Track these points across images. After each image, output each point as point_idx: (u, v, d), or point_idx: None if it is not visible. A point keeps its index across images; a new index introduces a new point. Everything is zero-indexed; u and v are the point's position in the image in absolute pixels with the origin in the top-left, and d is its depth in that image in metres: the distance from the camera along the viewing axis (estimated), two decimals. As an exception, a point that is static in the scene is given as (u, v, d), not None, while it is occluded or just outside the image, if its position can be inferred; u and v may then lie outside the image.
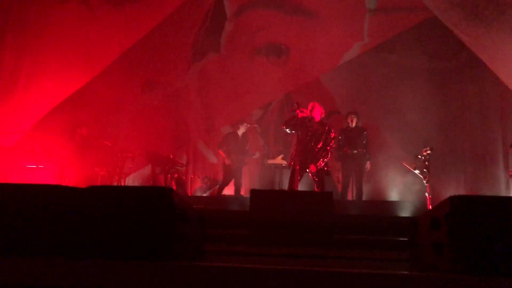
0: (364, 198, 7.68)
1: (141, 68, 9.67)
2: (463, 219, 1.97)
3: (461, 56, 9.14)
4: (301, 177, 6.43)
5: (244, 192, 8.33)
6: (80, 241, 2.36)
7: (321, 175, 6.44)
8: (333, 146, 6.65)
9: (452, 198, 2.04)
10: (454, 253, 1.91)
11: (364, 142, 7.66)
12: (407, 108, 8.96)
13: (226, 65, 9.78)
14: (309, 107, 6.65)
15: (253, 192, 5.04)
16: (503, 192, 8.18)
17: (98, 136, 8.22)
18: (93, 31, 8.84)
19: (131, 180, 9.08)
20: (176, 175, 8.26)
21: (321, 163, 6.38)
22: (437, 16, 8.78)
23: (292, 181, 6.35)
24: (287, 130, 6.58)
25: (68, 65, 8.59)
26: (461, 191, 8.29)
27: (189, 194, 8.51)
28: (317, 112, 6.61)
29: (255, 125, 9.00)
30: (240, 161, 8.13)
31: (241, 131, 8.27)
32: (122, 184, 8.06)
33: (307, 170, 6.44)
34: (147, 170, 9.11)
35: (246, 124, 8.36)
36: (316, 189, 6.46)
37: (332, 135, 6.57)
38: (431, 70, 9.18)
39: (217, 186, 8.38)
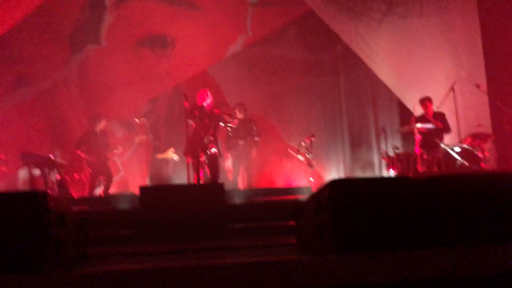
0: (253, 185, 7.93)
1: (11, 63, 8.79)
2: (342, 201, 2.10)
3: (337, 48, 9.79)
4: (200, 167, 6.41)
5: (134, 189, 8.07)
6: None
7: (214, 162, 6.48)
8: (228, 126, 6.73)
9: (331, 182, 2.16)
10: (334, 234, 2.03)
11: (252, 132, 7.93)
12: (291, 98, 9.41)
13: (108, 57, 9.27)
14: (203, 95, 6.67)
15: (142, 189, 4.88)
16: (377, 173, 9.00)
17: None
18: None
19: (7, 185, 8.24)
20: (58, 177, 7.67)
21: (211, 149, 6.41)
22: (314, 10, 9.30)
23: (197, 173, 6.32)
24: (191, 121, 6.49)
25: None
26: (342, 175, 8.94)
27: (75, 196, 7.97)
28: (211, 100, 6.69)
29: (143, 118, 8.71)
30: (102, 158, 7.89)
31: (99, 127, 8.04)
32: (-5, 191, 7.26)
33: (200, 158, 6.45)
34: (24, 173, 8.32)
35: (104, 120, 8.15)
36: (209, 175, 6.49)
37: (225, 119, 6.67)
38: (311, 62, 9.71)
39: (102, 186, 8.01)
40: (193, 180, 6.48)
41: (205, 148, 6.42)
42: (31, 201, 2.24)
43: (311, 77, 9.64)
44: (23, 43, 8.75)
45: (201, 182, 6.33)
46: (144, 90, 9.42)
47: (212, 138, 6.49)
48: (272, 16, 9.72)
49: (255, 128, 8.03)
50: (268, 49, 9.72)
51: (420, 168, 7.07)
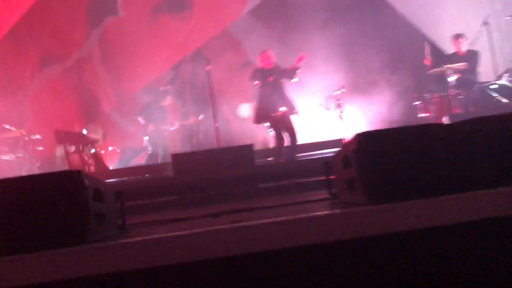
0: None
1: (34, 43, 8.90)
2: (368, 154, 2.07)
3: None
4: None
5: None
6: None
7: (287, 121, 6.32)
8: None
9: (357, 135, 2.12)
10: (362, 187, 2.02)
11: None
12: (317, 49, 9.12)
13: (127, 27, 9.25)
14: (267, 55, 6.45)
15: (174, 156, 4.97)
16: (413, 118, 8.71)
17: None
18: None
19: (46, 164, 8.57)
20: (93, 151, 7.90)
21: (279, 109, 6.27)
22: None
23: (279, 137, 6.23)
24: (255, 83, 6.32)
25: None
26: (375, 125, 8.75)
27: (110, 168, 8.21)
28: (273, 59, 6.45)
29: (168, 86, 8.75)
30: (159, 130, 8.05)
31: (166, 102, 8.19)
32: (35, 170, 7.59)
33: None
34: (60, 150, 8.59)
35: (170, 96, 8.26)
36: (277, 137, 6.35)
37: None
38: (335, 9, 9.35)
39: (139, 155, 8.21)
40: (276, 144, 6.37)
41: (275, 109, 6.26)
42: (66, 181, 2.31)
43: (335, 25, 9.30)
44: (41, 22, 8.79)
45: (283, 143, 6.20)
46: (166, 56, 9.42)
47: (277, 98, 6.33)
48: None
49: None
50: (288, -1, 9.42)
51: (456, 110, 6.84)
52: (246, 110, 7.66)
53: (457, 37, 7.26)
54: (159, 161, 8.02)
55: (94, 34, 9.32)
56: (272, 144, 7.90)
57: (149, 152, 8.15)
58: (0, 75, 8.45)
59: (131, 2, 9.30)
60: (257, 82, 6.28)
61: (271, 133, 6.50)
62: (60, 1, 8.94)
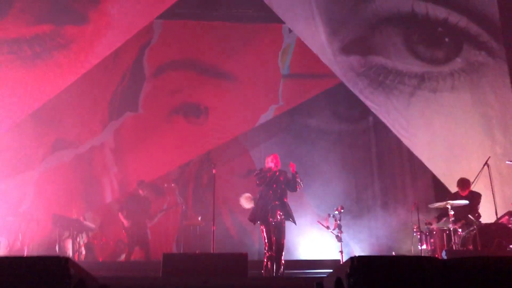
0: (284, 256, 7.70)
1: (53, 127, 9.25)
2: (363, 279, 2.03)
3: (368, 119, 9.86)
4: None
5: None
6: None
7: (279, 228, 6.12)
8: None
9: (351, 259, 2.11)
10: (353, 315, 1.95)
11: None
12: (320, 167, 9.35)
13: (143, 124, 9.66)
14: (277, 157, 6.41)
15: (165, 256, 4.86)
16: (410, 248, 8.57)
17: None
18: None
19: (36, 246, 8.37)
20: (86, 239, 7.76)
21: (278, 215, 6.12)
22: (345, 82, 9.48)
23: (270, 245, 6.01)
24: (260, 182, 6.24)
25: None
26: (373, 249, 8.59)
27: (100, 260, 7.98)
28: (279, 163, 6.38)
29: (172, 184, 8.84)
30: (142, 223, 7.83)
31: (144, 192, 8.10)
32: (25, 251, 7.42)
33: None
34: (54, 234, 8.47)
35: (148, 186, 8.21)
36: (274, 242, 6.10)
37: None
38: (342, 132, 9.78)
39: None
40: (264, 247, 6.14)
41: (273, 213, 6.09)
42: (52, 267, 2.27)
43: (342, 147, 9.65)
44: (64, 109, 9.21)
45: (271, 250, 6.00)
46: (176, 155, 9.64)
47: (278, 203, 6.16)
48: (303, 87, 10.00)
49: None
50: (298, 118, 9.91)
51: (455, 246, 6.76)
52: (249, 201, 7.45)
53: (463, 186, 7.36)
54: (145, 259, 7.77)
55: (111, 126, 9.67)
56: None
57: (125, 253, 7.83)
58: (13, 154, 8.66)
59: (152, 103, 9.80)
60: (262, 180, 6.20)
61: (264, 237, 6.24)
62: (86, 92, 9.43)
